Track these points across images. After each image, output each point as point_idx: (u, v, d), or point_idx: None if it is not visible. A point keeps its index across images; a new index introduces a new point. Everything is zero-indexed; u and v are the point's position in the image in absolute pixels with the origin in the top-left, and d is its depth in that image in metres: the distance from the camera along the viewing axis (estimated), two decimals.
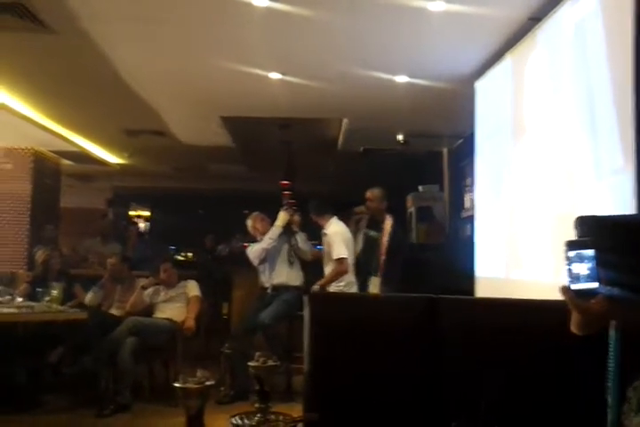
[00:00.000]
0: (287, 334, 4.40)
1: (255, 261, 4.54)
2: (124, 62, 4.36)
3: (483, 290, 3.97)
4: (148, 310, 4.50)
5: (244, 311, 5.06)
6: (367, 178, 5.98)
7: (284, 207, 4.61)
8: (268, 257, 4.52)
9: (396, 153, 6.85)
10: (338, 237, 4.39)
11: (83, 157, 7.72)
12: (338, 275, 4.33)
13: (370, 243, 4.53)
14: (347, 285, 4.35)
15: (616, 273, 0.98)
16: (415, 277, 4.49)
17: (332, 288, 4.30)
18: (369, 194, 4.59)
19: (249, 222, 4.70)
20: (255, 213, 4.75)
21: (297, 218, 4.69)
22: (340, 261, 4.30)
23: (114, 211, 10.90)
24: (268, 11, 3.39)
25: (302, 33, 3.80)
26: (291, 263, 4.55)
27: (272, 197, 6.91)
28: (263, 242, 4.49)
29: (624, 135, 2.36)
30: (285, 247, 4.58)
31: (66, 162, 8.06)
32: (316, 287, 4.30)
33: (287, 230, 4.55)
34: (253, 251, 4.55)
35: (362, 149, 7.03)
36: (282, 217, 4.51)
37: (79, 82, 4.87)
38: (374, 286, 4.45)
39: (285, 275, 4.52)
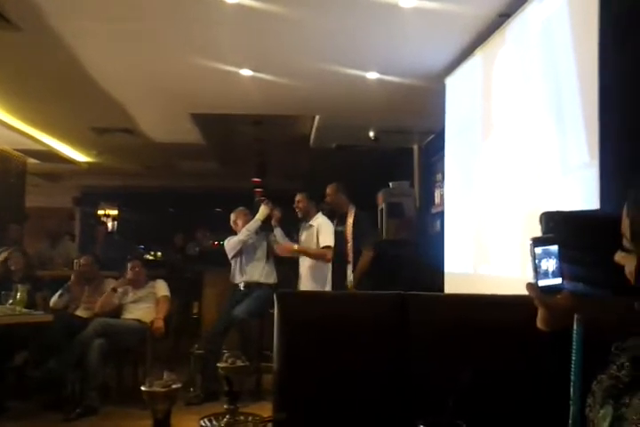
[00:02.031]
0: (258, 332, 4.37)
1: (230, 253, 4.51)
2: (92, 59, 4.28)
3: (451, 285, 3.99)
4: (117, 311, 4.42)
5: (214, 310, 5.01)
6: (339, 174, 5.98)
7: (265, 201, 4.58)
8: (245, 251, 4.48)
9: (368, 149, 6.87)
10: (325, 227, 4.47)
11: (50, 155, 7.57)
12: (318, 257, 4.38)
13: (339, 237, 4.57)
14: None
15: (580, 268, 0.98)
16: (385, 272, 4.52)
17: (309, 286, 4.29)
18: (327, 190, 4.75)
19: (232, 217, 4.66)
20: (240, 209, 4.71)
21: (277, 213, 4.65)
22: (328, 248, 4.36)
23: (81, 210, 10.71)
24: (239, 7, 3.36)
25: (273, 29, 3.77)
26: (267, 259, 4.54)
27: (244, 195, 6.86)
28: (240, 234, 4.47)
29: (590, 131, 2.38)
30: (263, 244, 4.55)
31: (32, 161, 7.88)
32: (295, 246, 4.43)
33: (266, 226, 4.52)
34: (230, 243, 4.52)
35: (334, 145, 7.04)
36: (262, 211, 4.49)
37: (45, 79, 4.77)
38: (349, 274, 4.52)
39: (259, 271, 4.49)
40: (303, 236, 4.61)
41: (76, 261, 6.38)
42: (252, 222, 4.47)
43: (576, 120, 2.51)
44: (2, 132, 6.21)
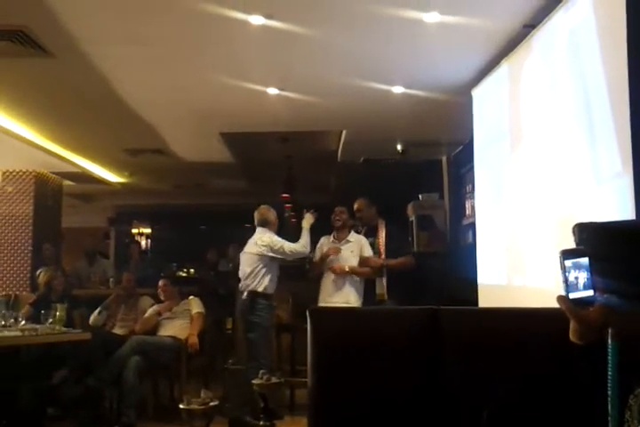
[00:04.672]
0: (290, 347, 4.35)
1: (291, 257, 4.38)
2: (123, 83, 4.39)
3: (485, 297, 3.94)
4: (153, 329, 4.48)
5: None
6: (368, 188, 5.98)
7: (312, 211, 4.52)
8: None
9: (396, 162, 6.86)
10: (364, 240, 4.47)
11: (84, 177, 7.76)
12: (370, 273, 4.39)
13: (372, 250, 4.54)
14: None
15: (613, 281, 0.96)
16: (417, 285, 4.48)
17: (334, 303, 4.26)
18: (357, 206, 4.65)
19: (270, 215, 4.48)
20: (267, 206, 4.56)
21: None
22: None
23: (116, 229, 10.93)
24: (264, 28, 3.43)
25: (297, 48, 3.82)
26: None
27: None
28: (302, 247, 4.32)
29: (621, 139, 2.35)
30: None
31: (68, 182, 8.09)
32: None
33: None
34: (297, 252, 4.33)
35: (362, 159, 7.05)
36: (308, 219, 4.47)
37: (79, 104, 4.90)
38: (380, 286, 4.45)
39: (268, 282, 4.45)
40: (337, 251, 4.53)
41: (112, 279, 6.50)
42: (306, 236, 4.38)
43: (607, 129, 2.48)
44: (39, 156, 6.41)
